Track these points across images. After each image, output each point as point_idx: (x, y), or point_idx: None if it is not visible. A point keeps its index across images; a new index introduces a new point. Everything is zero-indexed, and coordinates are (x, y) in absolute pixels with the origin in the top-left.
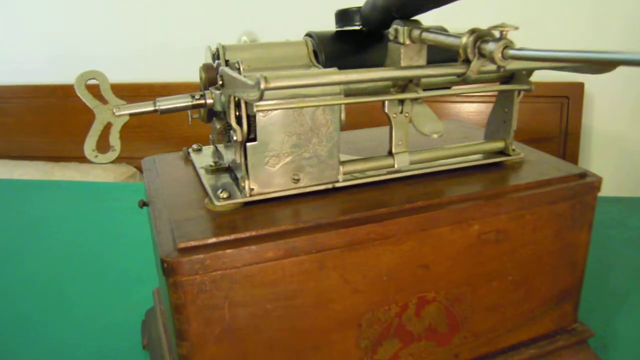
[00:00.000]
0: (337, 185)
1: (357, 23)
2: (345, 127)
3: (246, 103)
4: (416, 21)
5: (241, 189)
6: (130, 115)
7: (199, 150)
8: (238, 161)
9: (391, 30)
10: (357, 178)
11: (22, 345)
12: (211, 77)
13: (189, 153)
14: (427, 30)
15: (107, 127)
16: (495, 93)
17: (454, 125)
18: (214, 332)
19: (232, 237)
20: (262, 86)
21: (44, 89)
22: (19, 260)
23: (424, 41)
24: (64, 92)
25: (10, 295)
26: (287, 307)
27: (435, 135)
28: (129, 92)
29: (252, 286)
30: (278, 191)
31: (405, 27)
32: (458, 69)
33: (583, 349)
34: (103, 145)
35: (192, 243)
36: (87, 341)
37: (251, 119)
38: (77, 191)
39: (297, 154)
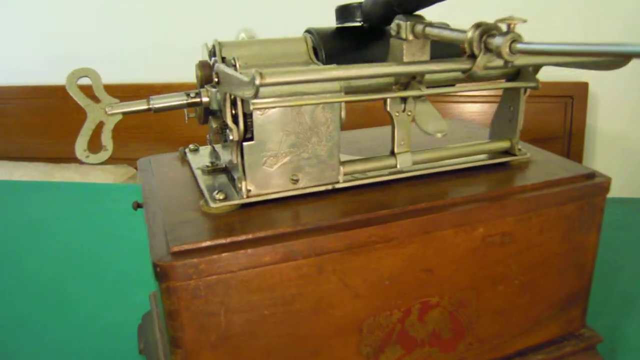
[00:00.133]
0: (338, 186)
1: (358, 19)
2: (345, 127)
3: (242, 101)
4: (419, 16)
5: (238, 190)
6: (123, 114)
7: (195, 150)
8: (235, 161)
9: (393, 25)
10: (358, 179)
11: (20, 347)
12: (207, 74)
13: (185, 153)
14: (431, 25)
15: (100, 126)
16: (500, 92)
17: (457, 125)
18: (209, 339)
19: (228, 240)
20: (257, 82)
21: (44, 89)
22: (18, 261)
23: (428, 36)
24: (63, 93)
25: (9, 296)
26: (285, 313)
27: (439, 135)
28: (130, 93)
29: (248, 291)
30: (276, 192)
31: (408, 22)
32: (463, 65)
33: (591, 355)
34: (97, 145)
35: (186, 246)
36: (84, 344)
37: (248, 118)
38: (76, 192)
39: (295, 154)
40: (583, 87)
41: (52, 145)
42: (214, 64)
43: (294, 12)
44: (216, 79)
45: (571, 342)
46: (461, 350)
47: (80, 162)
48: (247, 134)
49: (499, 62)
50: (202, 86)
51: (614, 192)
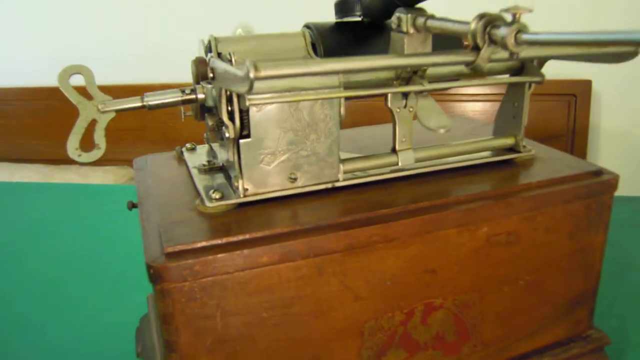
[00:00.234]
0: (337, 184)
1: (358, 13)
2: (345, 127)
3: (238, 97)
4: (420, 9)
5: (235, 190)
6: (117, 111)
7: (192, 149)
8: (231, 159)
9: (394, 19)
10: (358, 177)
11: (18, 348)
12: (203, 71)
13: (182, 152)
14: (433, 17)
15: (93, 124)
16: (504, 90)
17: (460, 122)
18: (205, 343)
19: (224, 240)
20: (252, 75)
21: (44, 91)
22: (18, 262)
23: (429, 30)
24: (64, 95)
25: (8, 298)
26: (283, 316)
27: (442, 130)
28: (130, 94)
29: (245, 293)
30: (274, 191)
31: (409, 15)
32: (467, 57)
33: (599, 357)
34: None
35: (181, 247)
36: (81, 346)
37: (244, 114)
38: (77, 194)
39: (294, 152)
40: (586, 84)
41: (53, 146)
42: (210, 60)
43: (293, 9)
44: (211, 75)
45: (578, 344)
46: (465, 353)
47: (80, 164)
48: (244, 132)
49: (503, 54)
50: (198, 83)
51: (618, 191)
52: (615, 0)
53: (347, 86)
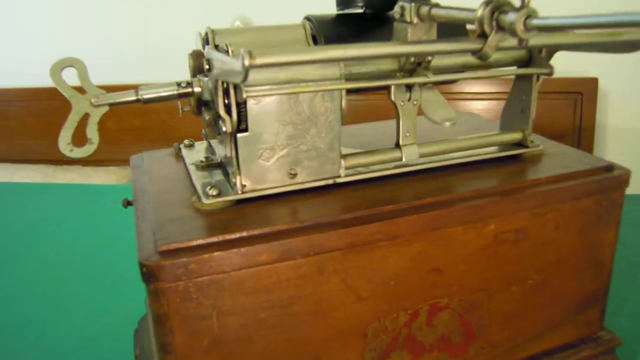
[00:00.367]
0: (339, 180)
1: (360, 4)
2: (346, 123)
3: (235, 89)
4: None
5: (232, 186)
6: (110, 105)
7: (191, 146)
8: (229, 155)
9: (397, 8)
10: (360, 173)
11: (18, 348)
12: (199, 64)
13: (180, 149)
14: (437, 6)
15: (86, 119)
16: (508, 89)
17: (465, 118)
18: (201, 345)
19: (221, 238)
20: (247, 63)
21: (46, 91)
22: (18, 263)
23: (434, 18)
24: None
25: (9, 298)
26: (282, 316)
27: (447, 123)
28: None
29: (243, 293)
30: (273, 187)
31: (413, 4)
32: (473, 45)
33: (610, 359)
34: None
35: (175, 245)
36: (81, 346)
37: (242, 108)
38: (78, 194)
39: (293, 146)
40: (592, 82)
41: (54, 147)
42: (206, 52)
43: (293, 3)
44: (207, 66)
45: (589, 345)
46: (472, 355)
47: (82, 164)
48: (242, 126)
49: (512, 42)
50: (194, 76)
51: (627, 189)
52: None
53: (349, 78)
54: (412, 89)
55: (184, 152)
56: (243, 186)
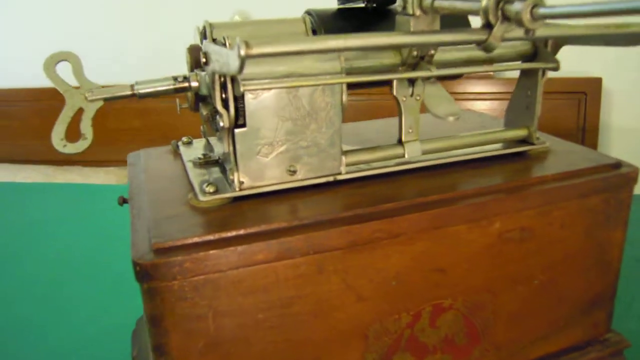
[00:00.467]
0: (339, 177)
1: None
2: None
3: (233, 83)
4: None
5: (230, 183)
6: (105, 100)
7: (189, 143)
8: (226, 150)
9: (399, 1)
10: (362, 170)
11: (17, 349)
12: (197, 58)
13: (177, 146)
14: None
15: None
16: (511, 89)
17: (469, 115)
18: (197, 346)
19: (217, 236)
20: (243, 53)
21: (48, 92)
22: (17, 263)
23: (437, 10)
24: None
25: (9, 297)
26: (281, 317)
27: (451, 118)
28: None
29: (240, 293)
30: (271, 184)
31: None
32: (478, 36)
33: None
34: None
35: (170, 243)
36: (81, 347)
37: (239, 102)
38: (78, 194)
39: (293, 142)
40: (596, 82)
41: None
42: (203, 45)
43: (296, 2)
44: (204, 60)
45: (596, 347)
46: (476, 356)
47: (92, 165)
48: (239, 121)
49: (518, 32)
50: (192, 71)
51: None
52: None
53: (350, 72)
54: (415, 84)
55: (182, 149)
56: (241, 183)
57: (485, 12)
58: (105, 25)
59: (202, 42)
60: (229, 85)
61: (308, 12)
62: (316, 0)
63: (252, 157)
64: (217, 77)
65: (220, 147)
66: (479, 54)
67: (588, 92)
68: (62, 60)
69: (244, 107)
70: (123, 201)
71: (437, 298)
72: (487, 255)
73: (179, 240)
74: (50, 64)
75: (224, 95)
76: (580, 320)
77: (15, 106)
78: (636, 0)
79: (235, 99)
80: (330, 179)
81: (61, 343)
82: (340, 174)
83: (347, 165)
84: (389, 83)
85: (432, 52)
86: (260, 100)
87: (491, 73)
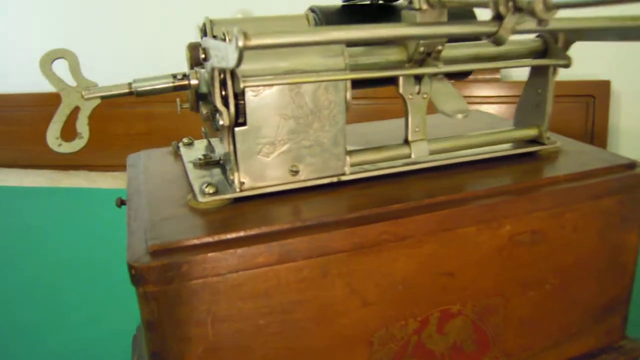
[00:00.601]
0: (343, 178)
1: None
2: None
3: (233, 80)
4: None
5: (230, 183)
6: (102, 98)
7: (190, 144)
8: (226, 150)
9: None
10: (366, 170)
11: (17, 353)
12: (196, 55)
13: (178, 147)
14: None
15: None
16: (519, 92)
17: (477, 115)
18: (195, 353)
19: (216, 238)
20: (241, 44)
21: (54, 97)
22: (20, 266)
23: (444, 4)
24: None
25: (10, 301)
26: (283, 323)
27: (459, 115)
28: (142, 98)
29: (239, 297)
30: (273, 185)
31: None
32: (488, 27)
33: None
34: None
35: (167, 245)
36: (81, 353)
37: (240, 100)
38: (83, 198)
39: (295, 142)
40: (605, 85)
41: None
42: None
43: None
44: (203, 55)
45: (610, 355)
46: None
47: (99, 170)
48: (240, 119)
49: (530, 24)
50: (192, 69)
51: None
52: None
53: (355, 69)
54: (422, 81)
55: (183, 150)
56: (241, 183)
57: (495, 3)
58: (115, 27)
59: (202, 39)
60: (229, 82)
61: (311, 9)
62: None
63: (253, 157)
64: (216, 73)
65: (221, 148)
66: (487, 50)
67: (596, 95)
68: (59, 57)
69: (244, 104)
70: (121, 202)
71: (445, 303)
72: (497, 259)
73: (177, 242)
74: (47, 61)
75: (223, 93)
76: (594, 326)
77: (22, 111)
78: None
79: (236, 96)
80: (334, 179)
81: (64, 347)
82: (344, 174)
83: (352, 165)
84: (394, 81)
85: (440, 48)
86: (262, 98)
87: (498, 76)
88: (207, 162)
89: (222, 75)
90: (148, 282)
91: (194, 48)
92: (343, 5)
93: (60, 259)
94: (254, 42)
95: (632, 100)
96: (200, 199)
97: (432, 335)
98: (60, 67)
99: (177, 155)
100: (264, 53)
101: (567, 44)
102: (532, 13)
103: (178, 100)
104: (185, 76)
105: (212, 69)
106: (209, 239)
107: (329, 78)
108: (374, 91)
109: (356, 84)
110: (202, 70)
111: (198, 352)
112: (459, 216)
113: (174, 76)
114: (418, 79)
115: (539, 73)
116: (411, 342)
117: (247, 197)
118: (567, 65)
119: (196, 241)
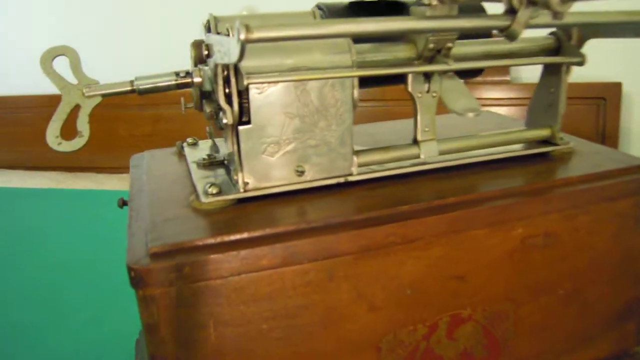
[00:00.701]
0: (351, 179)
1: None
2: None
3: (237, 77)
4: None
5: (234, 183)
6: (103, 95)
7: (194, 144)
8: (230, 149)
9: None
10: (374, 171)
11: (18, 355)
12: (201, 53)
13: (182, 147)
14: None
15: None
16: (530, 94)
17: (487, 115)
18: (196, 357)
19: (219, 239)
20: (242, 37)
21: (58, 98)
22: (21, 268)
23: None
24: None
25: (11, 302)
26: (287, 327)
27: (470, 114)
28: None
29: (242, 301)
30: (278, 186)
31: None
32: (501, 22)
33: None
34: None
35: (168, 247)
36: (84, 356)
37: (244, 98)
38: (89, 200)
39: (301, 141)
40: (616, 87)
41: (68, 153)
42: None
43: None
44: (206, 52)
45: None
46: None
47: (105, 172)
48: (244, 118)
49: (544, 18)
50: (196, 67)
51: None
52: None
53: (362, 66)
54: (431, 79)
55: (187, 150)
56: (245, 184)
57: None
58: (116, 27)
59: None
60: (232, 79)
61: (318, 6)
62: None
63: (257, 157)
64: (219, 69)
65: (225, 148)
66: (498, 48)
67: (608, 97)
68: (60, 54)
69: (248, 102)
70: (123, 203)
71: (455, 308)
72: (509, 262)
73: (178, 244)
74: (47, 58)
75: (227, 90)
76: (608, 332)
77: (27, 113)
78: None
79: (240, 94)
80: (341, 180)
81: (68, 350)
82: (351, 174)
83: (359, 165)
84: (403, 79)
85: (450, 44)
86: (266, 96)
87: (508, 78)
88: (211, 162)
89: (225, 72)
90: (148, 284)
91: (197, 46)
92: (350, 2)
93: (66, 260)
94: (256, 35)
95: None
96: (203, 199)
97: (441, 340)
98: (61, 66)
99: (181, 155)
100: (268, 49)
101: (581, 41)
102: (547, 5)
103: (182, 99)
104: (188, 74)
105: (216, 66)
106: (212, 240)
107: (335, 75)
108: (382, 92)
109: (363, 82)
110: (206, 68)
111: (199, 356)
112: (470, 218)
113: (177, 74)
114: (427, 77)
115: (551, 72)
116: (420, 347)
117: (251, 197)
118: (581, 63)
119: (198, 242)
